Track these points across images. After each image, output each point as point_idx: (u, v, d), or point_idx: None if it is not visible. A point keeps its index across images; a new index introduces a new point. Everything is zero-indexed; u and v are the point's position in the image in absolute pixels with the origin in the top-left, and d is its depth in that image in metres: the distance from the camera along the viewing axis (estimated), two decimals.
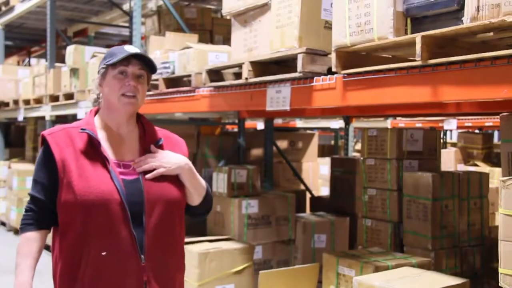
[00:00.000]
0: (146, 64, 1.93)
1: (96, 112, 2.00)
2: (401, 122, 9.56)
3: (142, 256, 1.85)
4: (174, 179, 1.96)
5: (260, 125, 9.39)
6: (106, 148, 1.91)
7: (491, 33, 2.22)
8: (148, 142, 1.98)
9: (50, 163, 1.86)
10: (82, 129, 1.88)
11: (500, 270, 2.35)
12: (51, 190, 1.87)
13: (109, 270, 1.82)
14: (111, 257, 1.82)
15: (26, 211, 1.92)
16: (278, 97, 3.15)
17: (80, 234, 1.82)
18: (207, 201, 2.07)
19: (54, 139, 1.87)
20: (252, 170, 4.74)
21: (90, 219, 1.81)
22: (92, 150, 1.87)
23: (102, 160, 1.86)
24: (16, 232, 7.62)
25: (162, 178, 1.93)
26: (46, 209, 1.88)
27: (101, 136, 1.92)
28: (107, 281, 1.83)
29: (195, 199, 2.03)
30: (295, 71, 2.92)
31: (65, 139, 1.87)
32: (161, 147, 1.99)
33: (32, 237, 1.88)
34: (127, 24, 8.72)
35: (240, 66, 3.45)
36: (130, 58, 1.89)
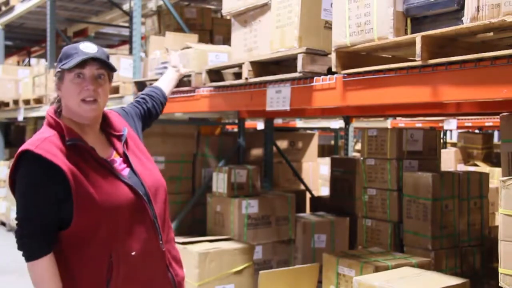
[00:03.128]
0: (105, 62, 1.84)
1: (57, 114, 1.88)
2: (401, 122, 9.55)
3: (161, 242, 1.91)
4: (151, 163, 2.04)
5: (260, 125, 9.39)
6: None
7: (491, 33, 2.22)
8: (114, 133, 1.97)
9: (52, 177, 1.72)
10: (68, 140, 1.77)
11: (500, 270, 2.35)
12: (57, 207, 1.75)
13: (140, 264, 1.86)
14: (141, 251, 1.85)
15: (28, 237, 1.76)
16: (278, 97, 3.15)
17: (106, 239, 1.79)
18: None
19: (46, 151, 1.72)
20: (252, 170, 4.74)
21: (115, 222, 1.79)
22: (85, 155, 1.81)
23: (100, 163, 1.83)
24: None
25: (145, 165, 1.98)
26: (53, 228, 1.77)
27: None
28: (140, 275, 1.86)
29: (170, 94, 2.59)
30: (295, 71, 2.92)
31: (55, 149, 1.74)
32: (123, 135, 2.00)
33: (50, 260, 1.77)
34: (127, 24, 8.71)
35: (240, 66, 3.45)
36: (87, 60, 1.79)
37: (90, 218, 1.76)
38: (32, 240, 1.76)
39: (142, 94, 2.42)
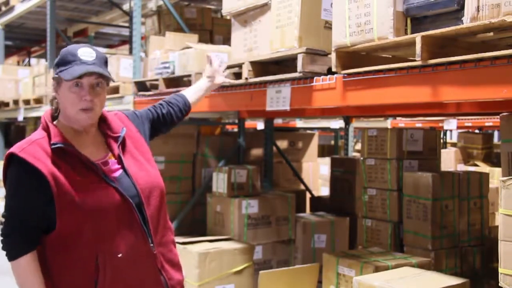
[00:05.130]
0: (102, 74, 1.82)
1: (52, 118, 1.90)
2: (401, 122, 9.55)
3: (152, 244, 1.89)
4: (150, 164, 2.00)
5: (260, 125, 9.38)
6: (82, 151, 1.85)
7: (491, 33, 2.22)
8: (112, 134, 1.95)
9: (35, 180, 1.74)
10: (53, 143, 1.78)
11: (500, 270, 2.35)
12: (40, 209, 1.77)
13: (128, 267, 1.85)
14: (128, 253, 1.84)
15: (8, 236, 1.79)
16: (278, 97, 3.15)
17: (92, 241, 1.79)
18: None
19: (29, 154, 1.76)
20: (252, 170, 4.74)
21: (100, 225, 1.80)
22: (72, 158, 1.81)
23: (87, 166, 1.82)
24: None
25: (141, 166, 1.96)
26: (35, 230, 1.79)
27: (72, 142, 1.85)
28: (128, 277, 1.85)
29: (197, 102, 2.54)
30: (295, 71, 2.92)
31: (40, 152, 1.77)
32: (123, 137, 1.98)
33: (31, 259, 1.79)
34: (127, 24, 8.72)
35: (240, 66, 3.45)
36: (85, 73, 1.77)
37: (73, 220, 1.77)
38: (13, 240, 1.79)
39: (163, 100, 2.39)
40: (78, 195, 1.76)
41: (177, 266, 2.03)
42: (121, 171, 1.91)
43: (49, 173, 1.74)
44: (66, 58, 1.82)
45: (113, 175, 1.88)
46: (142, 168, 1.96)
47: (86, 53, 1.82)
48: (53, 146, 1.78)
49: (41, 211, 1.78)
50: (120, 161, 1.93)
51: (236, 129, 6.19)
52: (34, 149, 1.77)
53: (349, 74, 2.67)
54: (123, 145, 1.97)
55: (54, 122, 1.89)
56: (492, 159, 8.13)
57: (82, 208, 1.76)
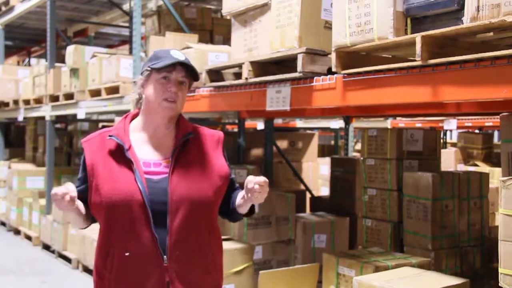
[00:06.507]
0: (189, 71, 1.97)
1: (134, 117, 2.06)
2: (401, 122, 9.55)
3: (165, 256, 1.86)
4: (205, 179, 1.95)
5: (260, 125, 9.39)
6: (140, 150, 1.95)
7: (491, 33, 2.22)
8: (179, 139, 1.99)
9: (84, 168, 1.97)
10: (109, 135, 1.95)
11: (500, 270, 2.35)
12: (84, 190, 1.96)
13: (131, 271, 1.86)
14: (133, 257, 1.85)
15: None
16: (278, 97, 3.15)
17: (106, 235, 1.90)
18: (253, 207, 2.18)
19: (88, 145, 1.99)
20: (252, 170, 4.74)
21: (113, 220, 1.87)
22: (121, 153, 1.92)
23: (128, 162, 1.90)
24: (16, 232, 7.66)
25: (192, 176, 1.93)
26: (84, 201, 1.98)
27: (136, 138, 1.97)
28: (129, 281, 1.87)
29: (246, 209, 2.14)
30: (295, 71, 2.92)
31: (98, 144, 1.97)
32: (188, 141, 1.99)
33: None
34: (127, 24, 8.71)
35: (240, 66, 3.45)
36: (175, 65, 1.93)
37: (95, 209, 1.92)
38: None
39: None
40: (104, 187, 1.87)
41: None
42: (163, 175, 1.91)
43: (90, 164, 1.93)
44: (158, 54, 1.98)
45: (150, 176, 1.90)
46: (192, 180, 1.92)
47: (176, 53, 1.98)
48: (107, 138, 1.96)
49: (86, 194, 1.96)
50: (171, 166, 1.92)
51: (236, 129, 6.19)
52: (95, 141, 1.99)
53: (349, 74, 2.67)
54: (185, 152, 1.96)
55: (133, 120, 2.04)
56: (492, 159, 8.13)
57: (103, 197, 1.87)
